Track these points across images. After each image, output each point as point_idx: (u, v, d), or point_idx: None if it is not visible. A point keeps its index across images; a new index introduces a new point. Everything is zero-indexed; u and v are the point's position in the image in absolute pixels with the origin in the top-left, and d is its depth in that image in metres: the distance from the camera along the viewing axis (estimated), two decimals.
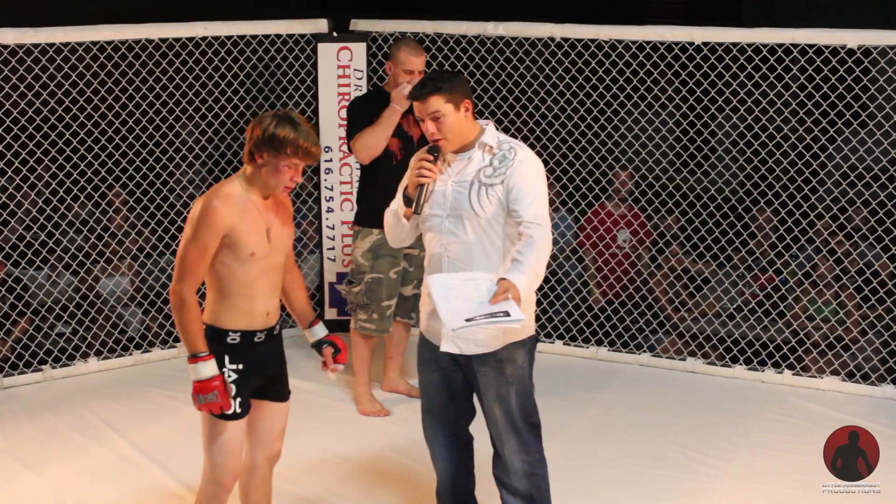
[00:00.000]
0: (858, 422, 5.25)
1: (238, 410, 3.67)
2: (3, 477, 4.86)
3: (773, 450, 5.19)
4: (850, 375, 6.03)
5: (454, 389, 3.95)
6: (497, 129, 3.86)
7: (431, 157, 3.73)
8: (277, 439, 3.92)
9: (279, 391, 3.87)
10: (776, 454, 5.14)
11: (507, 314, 3.41)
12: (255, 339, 3.70)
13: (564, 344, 6.56)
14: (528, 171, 3.71)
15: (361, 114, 5.30)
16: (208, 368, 3.58)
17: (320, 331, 3.97)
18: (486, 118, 3.86)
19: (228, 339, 3.65)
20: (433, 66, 6.44)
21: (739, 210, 6.66)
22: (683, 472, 4.96)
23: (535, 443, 3.91)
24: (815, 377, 6.03)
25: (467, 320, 3.41)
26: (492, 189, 3.70)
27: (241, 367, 3.67)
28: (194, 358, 3.58)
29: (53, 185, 6.22)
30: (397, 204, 3.86)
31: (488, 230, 3.73)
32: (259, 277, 3.65)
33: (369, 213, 5.30)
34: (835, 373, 6.04)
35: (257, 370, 3.72)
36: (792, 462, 5.00)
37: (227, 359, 3.65)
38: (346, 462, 5.02)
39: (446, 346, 3.78)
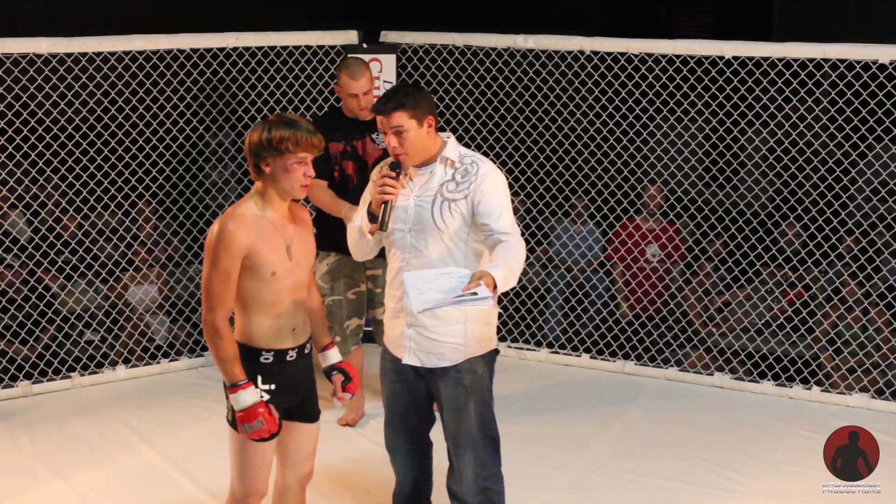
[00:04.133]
0: (888, 440, 5.21)
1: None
2: (31, 482, 4.90)
3: (800, 467, 5.15)
4: (880, 392, 5.98)
5: (416, 399, 3.96)
6: (458, 142, 3.86)
7: (394, 174, 3.71)
8: (308, 459, 3.85)
9: (309, 412, 3.79)
10: (804, 471, 5.09)
11: (474, 294, 3.35)
12: (288, 358, 3.64)
13: (591, 357, 6.54)
14: (492, 186, 3.73)
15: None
16: (249, 395, 3.51)
17: (333, 356, 3.87)
18: (447, 131, 3.84)
19: (262, 359, 3.59)
20: (462, 78, 6.46)
21: (769, 225, 6.62)
22: (709, 487, 4.93)
23: (492, 457, 3.91)
24: (844, 394, 5.98)
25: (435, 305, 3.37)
26: (455, 204, 3.72)
27: (273, 387, 3.60)
28: (234, 387, 3.50)
29: (84, 193, 6.26)
30: (361, 220, 3.82)
31: (451, 245, 3.73)
32: (283, 296, 3.59)
33: (326, 237, 5.23)
34: (864, 389, 5.99)
35: (289, 390, 3.66)
36: (820, 480, 4.92)
37: (259, 379, 3.58)
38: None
39: (409, 359, 3.81)
